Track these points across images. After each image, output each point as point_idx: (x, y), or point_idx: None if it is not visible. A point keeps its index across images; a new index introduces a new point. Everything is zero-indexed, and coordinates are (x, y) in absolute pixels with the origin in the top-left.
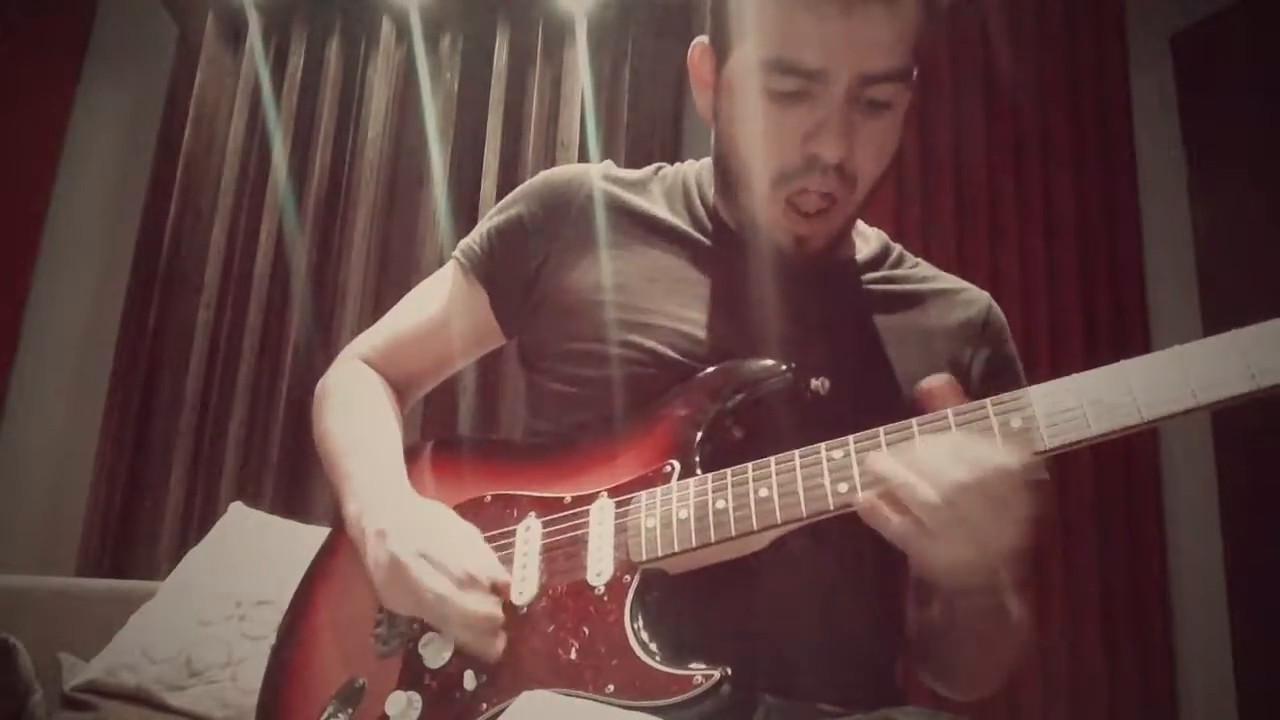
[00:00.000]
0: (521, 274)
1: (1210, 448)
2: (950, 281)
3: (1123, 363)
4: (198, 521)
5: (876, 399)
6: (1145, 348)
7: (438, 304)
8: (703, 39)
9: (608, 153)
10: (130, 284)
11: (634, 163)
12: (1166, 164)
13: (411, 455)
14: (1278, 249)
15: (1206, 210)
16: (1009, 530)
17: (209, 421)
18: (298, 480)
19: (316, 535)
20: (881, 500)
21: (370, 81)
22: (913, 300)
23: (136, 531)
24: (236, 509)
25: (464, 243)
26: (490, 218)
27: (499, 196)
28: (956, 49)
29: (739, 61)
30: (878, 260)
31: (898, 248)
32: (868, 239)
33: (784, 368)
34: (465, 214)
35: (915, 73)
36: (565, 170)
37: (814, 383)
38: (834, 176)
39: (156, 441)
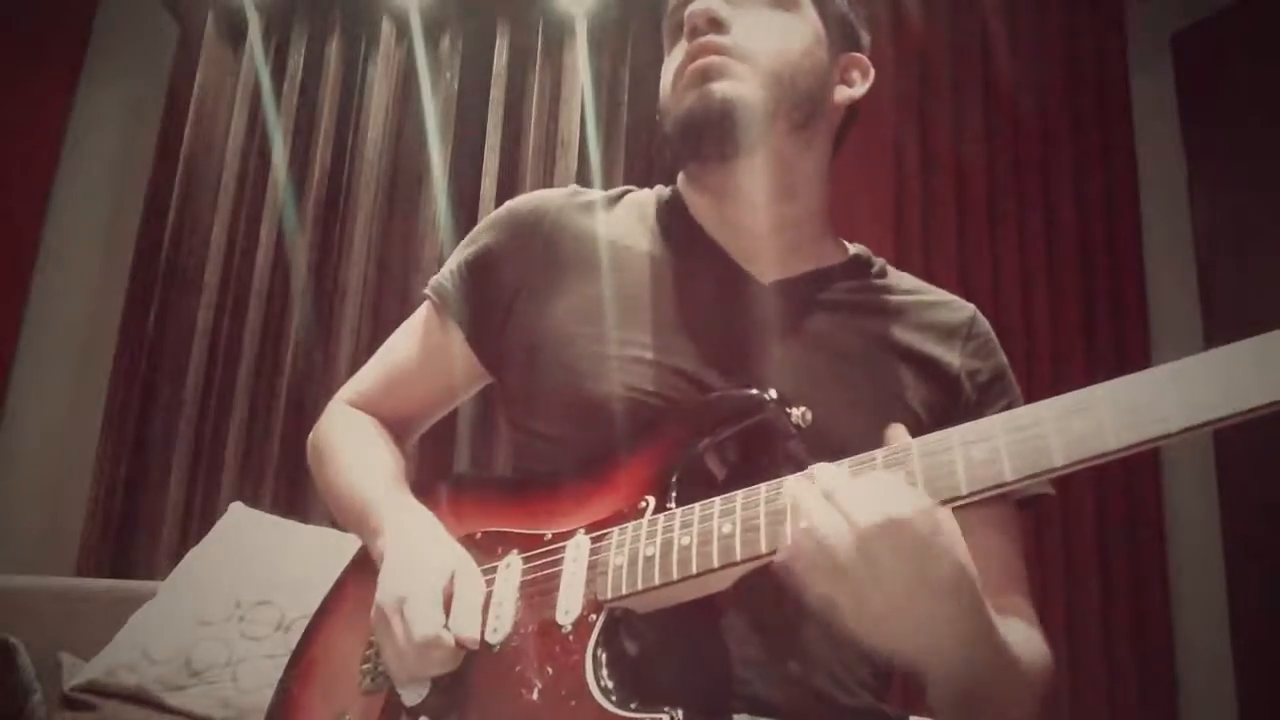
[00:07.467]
0: (495, 309)
1: (1211, 447)
2: (936, 294)
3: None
4: (198, 521)
5: (855, 426)
6: (1145, 347)
7: (417, 345)
8: None
9: (608, 153)
10: (130, 284)
11: (634, 163)
12: (1166, 164)
13: (424, 491)
14: (1278, 249)
15: (1206, 210)
16: (924, 594)
17: (209, 421)
18: (298, 480)
19: (316, 535)
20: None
21: (370, 81)
22: (893, 311)
23: (136, 531)
24: (236, 509)
25: (435, 280)
26: (460, 251)
27: (499, 196)
28: (956, 49)
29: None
30: (856, 269)
31: (880, 261)
32: (846, 250)
33: (766, 399)
34: (465, 214)
35: None
36: (530, 199)
37: (795, 413)
38: (713, 36)
39: (156, 441)
